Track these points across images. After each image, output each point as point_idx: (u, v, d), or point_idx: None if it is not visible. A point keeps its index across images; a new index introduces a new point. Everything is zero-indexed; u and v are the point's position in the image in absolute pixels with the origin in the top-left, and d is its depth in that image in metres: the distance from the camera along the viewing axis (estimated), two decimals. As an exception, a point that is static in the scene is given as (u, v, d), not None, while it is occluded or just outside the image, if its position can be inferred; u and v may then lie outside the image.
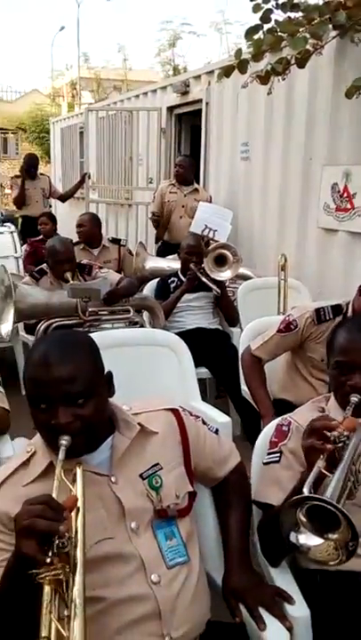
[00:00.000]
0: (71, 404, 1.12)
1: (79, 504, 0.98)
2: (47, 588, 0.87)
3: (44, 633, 0.84)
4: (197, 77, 5.45)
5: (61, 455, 1.07)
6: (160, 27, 22.44)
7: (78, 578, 0.89)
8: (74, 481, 1.05)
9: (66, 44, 53.26)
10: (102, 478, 1.18)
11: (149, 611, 1.13)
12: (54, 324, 3.05)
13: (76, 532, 0.94)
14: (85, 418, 1.13)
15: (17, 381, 3.96)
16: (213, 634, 1.23)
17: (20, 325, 3.74)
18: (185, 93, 5.61)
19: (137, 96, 6.97)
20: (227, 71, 3.61)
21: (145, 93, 6.65)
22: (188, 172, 4.94)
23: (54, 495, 0.99)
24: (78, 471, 1.07)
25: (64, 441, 1.08)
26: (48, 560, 0.88)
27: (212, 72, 5.04)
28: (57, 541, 0.90)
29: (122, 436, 1.23)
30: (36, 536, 0.91)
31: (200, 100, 5.29)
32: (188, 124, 6.16)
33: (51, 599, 0.87)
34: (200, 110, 5.30)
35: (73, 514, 0.96)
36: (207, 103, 5.22)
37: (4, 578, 1.01)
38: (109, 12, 63.63)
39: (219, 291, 3.42)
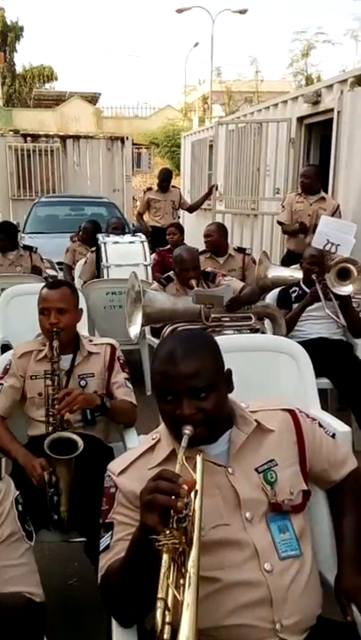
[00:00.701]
0: (194, 397, 1.21)
1: (197, 487, 1.06)
2: (165, 557, 0.96)
3: (160, 594, 0.93)
4: (329, 87, 5.40)
5: (184, 443, 1.16)
6: (293, 37, 22.29)
7: (194, 552, 0.97)
8: (194, 468, 1.13)
9: (200, 59, 54.63)
10: (220, 469, 1.26)
11: (261, 596, 1.18)
12: (179, 329, 3.18)
13: (194, 511, 1.01)
14: (207, 410, 1.22)
15: (142, 383, 4.20)
16: (324, 630, 1.25)
17: (147, 329, 3.94)
18: (316, 103, 5.58)
19: (267, 108, 7.04)
20: (360, 79, 3.56)
21: (275, 105, 6.70)
22: (314, 181, 4.91)
23: None
24: (198, 459, 1.15)
25: (187, 430, 1.18)
26: (167, 531, 0.97)
27: (345, 81, 4.97)
28: (175, 516, 0.98)
29: (239, 430, 1.30)
30: (157, 509, 1.00)
31: (332, 110, 5.23)
32: (318, 134, 6.11)
33: (169, 566, 0.95)
34: (331, 120, 5.24)
35: (192, 495, 1.04)
36: (339, 112, 5.15)
37: (131, 547, 1.12)
38: (243, 26, 64.47)
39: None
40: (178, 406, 1.21)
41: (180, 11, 20.96)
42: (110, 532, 1.25)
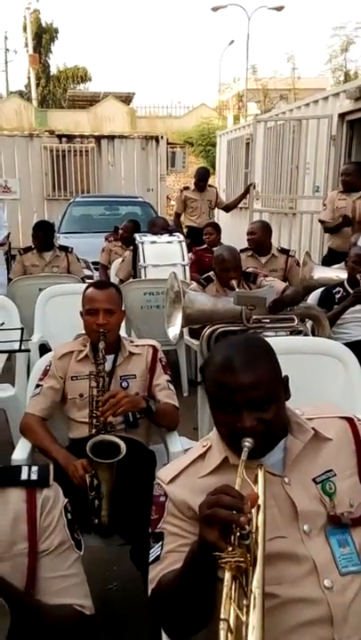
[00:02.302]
0: (255, 408, 1.16)
1: (260, 502, 1.00)
2: (228, 575, 0.90)
3: (223, 615, 0.87)
4: (372, 82, 5.25)
5: (244, 456, 1.11)
6: (332, 32, 21.96)
7: (258, 571, 0.91)
8: (254, 481, 1.07)
9: (234, 57, 54.43)
10: (275, 478, 1.20)
11: (322, 615, 1.11)
12: (219, 330, 3.12)
13: (257, 528, 0.96)
14: (268, 422, 1.16)
15: (179, 384, 4.15)
16: None
17: (185, 329, 3.89)
18: (359, 99, 5.44)
19: (307, 104, 6.91)
20: None
21: (315, 101, 6.57)
22: (355, 178, 4.80)
23: None
24: (260, 473, 1.10)
25: (247, 443, 1.12)
26: (230, 548, 0.91)
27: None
28: (238, 532, 0.92)
29: (295, 439, 1.24)
30: (218, 524, 0.95)
31: (375, 105, 5.10)
32: (360, 131, 5.96)
33: (231, 586, 0.90)
34: (375, 115, 5.11)
35: (254, 511, 0.98)
36: (382, 108, 5.01)
37: (187, 562, 1.07)
38: (279, 23, 63.99)
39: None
40: (237, 418, 1.16)
41: (215, 9, 20.83)
42: (160, 543, 1.20)
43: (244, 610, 0.88)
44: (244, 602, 0.90)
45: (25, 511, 1.12)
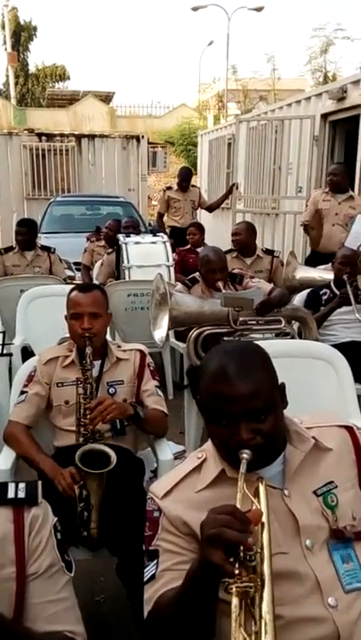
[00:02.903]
0: (252, 419, 1.10)
1: (263, 519, 0.95)
2: (235, 600, 0.86)
3: None
4: (356, 82, 5.26)
5: (243, 468, 1.05)
6: (312, 33, 22.04)
7: (267, 593, 0.87)
8: (254, 495, 1.02)
9: (214, 57, 54.52)
10: (275, 491, 1.15)
11: (328, 633, 1.07)
12: (205, 332, 3.07)
13: (262, 547, 0.91)
14: (266, 433, 1.11)
15: (164, 387, 4.09)
16: None
17: (171, 332, 3.84)
18: (341, 99, 5.44)
19: (289, 105, 6.92)
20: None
21: (298, 102, 6.58)
22: (343, 179, 4.78)
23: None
24: (261, 487, 1.05)
25: (245, 455, 1.07)
26: (236, 571, 0.86)
27: (372, 76, 4.83)
28: (242, 554, 0.87)
29: (295, 449, 1.19)
30: (222, 545, 0.90)
31: (358, 106, 5.10)
32: (342, 131, 5.98)
33: (239, 612, 0.85)
34: (357, 116, 5.11)
35: (257, 528, 0.93)
36: (366, 108, 5.01)
37: (187, 582, 1.02)
38: (259, 23, 64.29)
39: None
40: (234, 430, 1.10)
41: (195, 8, 20.81)
42: (155, 561, 1.14)
43: (253, 637, 0.83)
44: (253, 628, 0.84)
45: (12, 532, 1.06)
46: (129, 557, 1.67)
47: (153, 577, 1.13)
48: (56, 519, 1.13)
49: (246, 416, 1.10)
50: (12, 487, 1.10)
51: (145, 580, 1.15)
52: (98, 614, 2.22)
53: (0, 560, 1.03)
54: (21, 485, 1.11)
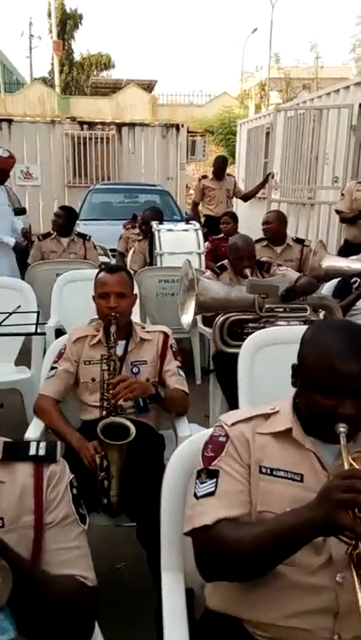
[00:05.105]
0: (356, 398, 1.18)
1: None
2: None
3: None
4: (395, 71, 5.18)
5: (343, 441, 1.14)
6: (357, 21, 21.56)
7: None
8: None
9: (257, 46, 53.77)
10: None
11: (328, 605, 1.16)
12: (231, 318, 3.14)
13: None
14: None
15: (192, 371, 4.18)
16: None
17: (199, 317, 3.91)
18: (380, 88, 5.38)
19: (328, 94, 6.85)
20: None
21: (336, 91, 6.51)
22: (377, 169, 4.74)
23: None
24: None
25: (342, 428, 1.15)
26: None
27: None
28: None
29: None
30: (353, 509, 1.01)
31: None
32: (381, 121, 5.90)
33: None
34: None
35: None
36: None
37: (283, 533, 1.11)
38: (304, 11, 62.95)
39: None
40: (338, 403, 1.18)
41: (239, -4, 20.53)
42: (215, 480, 1.23)
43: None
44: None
45: (32, 485, 1.16)
46: (148, 522, 1.75)
47: (211, 493, 1.21)
48: (72, 476, 1.24)
49: (353, 393, 1.17)
50: (33, 445, 1.21)
51: (200, 494, 1.23)
52: (118, 581, 2.34)
53: (20, 510, 1.14)
54: (42, 444, 1.22)
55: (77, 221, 6.52)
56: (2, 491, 1.14)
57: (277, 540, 1.11)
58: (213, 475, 1.23)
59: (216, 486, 1.22)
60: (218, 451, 1.26)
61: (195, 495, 1.25)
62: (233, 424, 1.28)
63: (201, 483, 1.24)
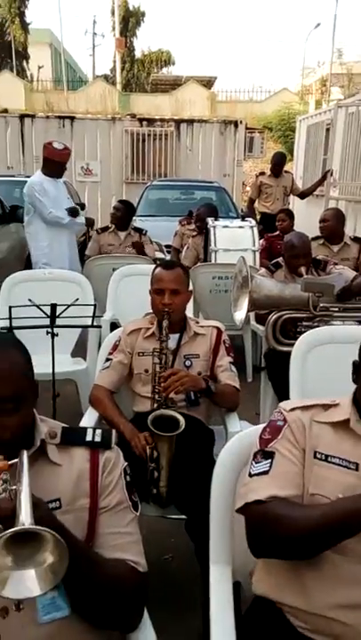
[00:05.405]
0: None
1: None
2: None
3: None
4: None
5: None
6: None
7: None
8: None
9: (319, 41, 52.72)
10: None
11: None
12: (285, 316, 3.12)
13: None
14: None
15: (244, 368, 4.18)
16: None
17: (252, 315, 3.90)
18: None
19: (392, 89, 6.66)
20: None
21: None
22: None
23: None
24: None
25: None
26: None
27: None
28: None
29: None
30: None
31: None
32: None
33: None
34: None
35: None
36: None
37: (341, 518, 1.13)
38: (369, 4, 61.04)
39: None
40: None
41: (302, -11, 20.19)
42: (270, 460, 1.26)
43: None
44: None
45: (88, 470, 1.21)
46: (198, 515, 1.76)
47: (265, 472, 1.25)
48: (126, 464, 1.28)
49: None
50: (90, 432, 1.26)
51: (253, 472, 1.27)
52: (165, 572, 2.38)
53: (76, 492, 1.19)
54: (98, 431, 1.27)
55: (134, 217, 6.63)
56: (59, 473, 1.19)
57: (332, 524, 1.13)
58: (269, 456, 1.27)
59: (271, 466, 1.25)
60: (275, 433, 1.29)
61: (249, 474, 1.28)
62: (291, 409, 1.31)
63: (256, 462, 1.28)
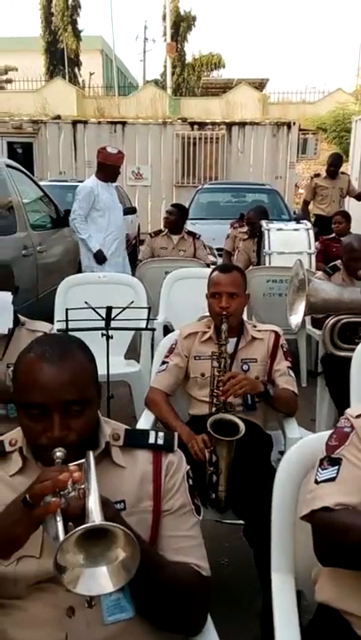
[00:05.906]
0: None
1: None
2: None
3: None
4: None
5: None
6: None
7: None
8: None
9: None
10: None
11: None
12: (343, 321, 3.06)
13: None
14: None
15: (298, 373, 4.10)
16: None
17: (308, 319, 3.84)
18: None
19: None
20: None
21: None
22: None
23: None
24: None
25: None
26: None
27: None
28: None
29: None
30: None
31: None
32: None
33: None
34: None
35: None
36: None
37: None
38: None
39: None
40: None
41: (357, -13, 19.82)
42: (337, 467, 1.24)
43: None
44: None
45: (151, 472, 1.21)
46: (257, 521, 1.75)
47: (332, 479, 1.23)
48: (189, 467, 1.27)
49: None
50: (152, 434, 1.26)
51: (320, 479, 1.25)
52: (219, 576, 2.36)
53: (140, 494, 1.19)
54: (160, 434, 1.26)
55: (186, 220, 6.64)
56: (123, 475, 1.19)
57: None
58: (336, 462, 1.25)
59: (338, 473, 1.23)
60: (342, 440, 1.27)
61: (315, 481, 1.26)
62: (358, 416, 1.29)
63: (323, 469, 1.26)
